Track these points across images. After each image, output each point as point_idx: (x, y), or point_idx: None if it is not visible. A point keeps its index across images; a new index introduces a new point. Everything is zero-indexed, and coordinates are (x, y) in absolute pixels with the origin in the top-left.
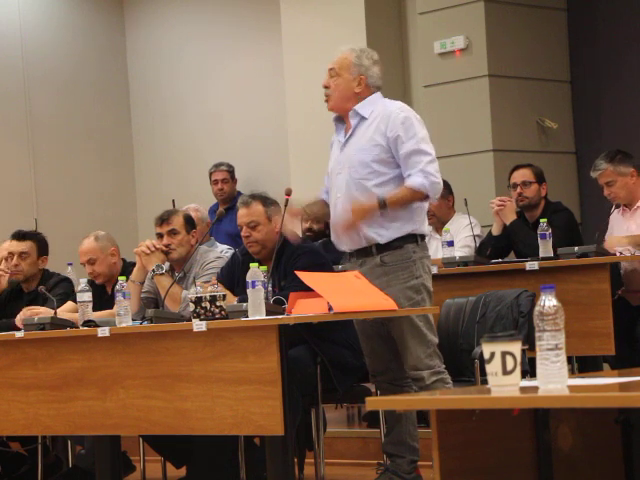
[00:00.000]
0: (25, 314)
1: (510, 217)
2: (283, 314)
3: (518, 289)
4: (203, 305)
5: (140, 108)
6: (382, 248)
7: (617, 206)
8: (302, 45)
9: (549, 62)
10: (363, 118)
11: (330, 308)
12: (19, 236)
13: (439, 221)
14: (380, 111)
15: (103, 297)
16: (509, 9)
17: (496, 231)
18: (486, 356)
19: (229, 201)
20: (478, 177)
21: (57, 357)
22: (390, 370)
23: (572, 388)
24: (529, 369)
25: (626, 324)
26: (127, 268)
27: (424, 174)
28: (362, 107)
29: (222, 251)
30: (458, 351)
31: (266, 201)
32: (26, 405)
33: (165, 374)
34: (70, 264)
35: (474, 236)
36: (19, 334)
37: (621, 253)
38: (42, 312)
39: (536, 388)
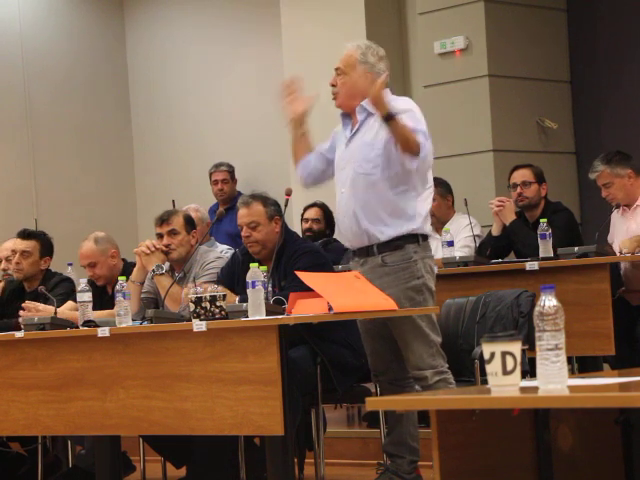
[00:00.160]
0: (26, 306)
1: (509, 217)
2: (283, 314)
3: (518, 289)
4: (203, 305)
5: (140, 108)
6: (383, 248)
7: (617, 206)
8: (302, 46)
9: (549, 62)
10: (370, 114)
11: (330, 308)
12: (24, 235)
13: (439, 221)
14: None
15: (104, 297)
16: (509, 9)
17: (496, 231)
18: (486, 356)
19: (229, 201)
20: (478, 177)
21: (57, 357)
22: (391, 370)
23: (572, 388)
24: (529, 369)
25: (626, 324)
26: (127, 268)
27: (424, 137)
28: (369, 103)
29: (222, 251)
30: (458, 351)
31: (266, 201)
32: (26, 405)
33: (165, 374)
34: (70, 264)
35: (474, 236)
36: (19, 334)
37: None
38: (42, 308)
39: (536, 388)
